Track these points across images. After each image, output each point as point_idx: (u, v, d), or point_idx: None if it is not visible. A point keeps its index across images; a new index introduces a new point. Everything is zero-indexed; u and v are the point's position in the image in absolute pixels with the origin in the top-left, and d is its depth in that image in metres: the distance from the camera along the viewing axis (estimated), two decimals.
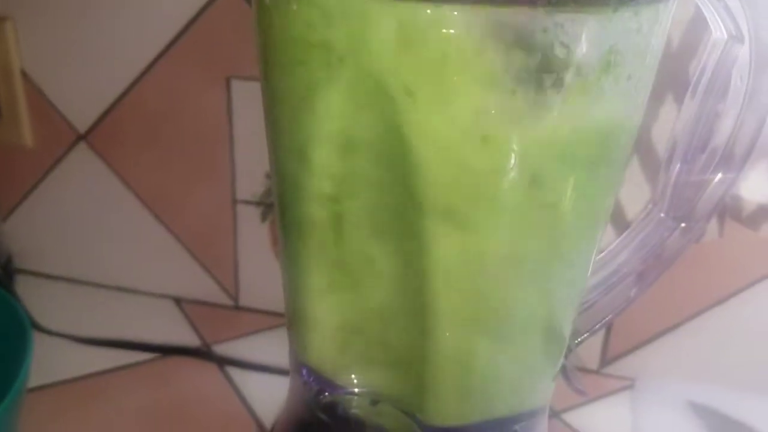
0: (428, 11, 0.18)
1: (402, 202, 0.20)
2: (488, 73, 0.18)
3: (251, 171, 0.47)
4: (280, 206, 0.24)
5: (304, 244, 0.23)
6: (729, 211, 0.37)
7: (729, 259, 0.41)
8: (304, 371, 0.25)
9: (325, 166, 0.21)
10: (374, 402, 0.24)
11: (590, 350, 0.46)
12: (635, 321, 0.44)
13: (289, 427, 0.28)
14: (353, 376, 0.24)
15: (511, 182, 0.20)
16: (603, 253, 0.27)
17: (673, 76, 0.34)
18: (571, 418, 0.42)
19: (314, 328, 0.24)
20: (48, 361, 0.43)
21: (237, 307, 0.52)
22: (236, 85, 0.45)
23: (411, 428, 0.24)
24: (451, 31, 0.18)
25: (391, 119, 0.19)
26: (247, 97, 0.45)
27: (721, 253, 0.40)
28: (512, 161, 0.19)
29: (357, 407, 0.25)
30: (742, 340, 0.43)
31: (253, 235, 0.49)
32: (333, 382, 0.25)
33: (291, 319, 0.26)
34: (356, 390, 0.24)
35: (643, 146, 0.37)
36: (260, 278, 0.50)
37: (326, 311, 0.24)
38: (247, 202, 0.48)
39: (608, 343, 0.45)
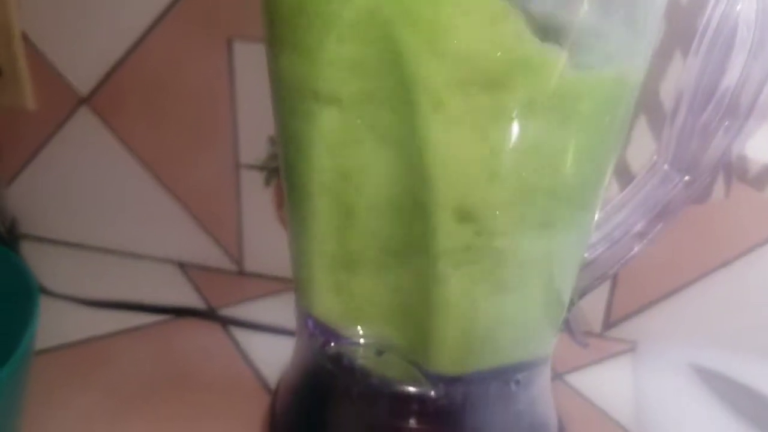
0: None
1: (411, 153, 0.20)
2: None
3: (254, 135, 0.47)
4: (285, 151, 0.24)
5: (309, 191, 0.23)
6: (735, 171, 0.37)
7: (734, 221, 0.40)
8: (310, 323, 0.26)
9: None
10: (379, 352, 0.25)
11: (593, 313, 0.46)
12: (638, 284, 0.44)
13: (296, 378, 0.28)
14: (358, 327, 0.24)
15: (517, 130, 0.20)
16: (607, 207, 0.27)
17: (681, 32, 0.34)
18: (573, 379, 0.42)
19: (320, 279, 0.24)
20: (53, 324, 0.43)
21: (241, 273, 0.52)
22: (238, 46, 0.44)
23: (415, 377, 0.24)
24: None
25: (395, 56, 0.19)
26: (250, 59, 0.45)
27: (726, 215, 0.40)
28: (519, 107, 0.19)
29: (362, 357, 0.25)
30: (747, 302, 0.43)
31: (257, 200, 0.49)
32: (338, 333, 0.25)
33: (297, 271, 0.26)
34: (361, 340, 0.25)
35: (650, 103, 0.36)
36: (264, 243, 0.50)
37: (331, 262, 0.24)
38: (251, 167, 0.48)
39: (611, 307, 0.45)
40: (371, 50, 0.19)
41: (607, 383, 0.42)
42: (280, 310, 0.48)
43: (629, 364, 0.44)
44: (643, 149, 0.37)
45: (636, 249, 0.26)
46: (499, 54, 0.18)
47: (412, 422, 0.25)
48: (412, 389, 0.25)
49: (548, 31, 0.18)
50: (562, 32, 0.19)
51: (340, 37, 0.19)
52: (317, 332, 0.25)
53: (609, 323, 0.46)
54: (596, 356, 0.44)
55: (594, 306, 0.46)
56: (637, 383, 0.42)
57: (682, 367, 0.43)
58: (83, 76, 0.48)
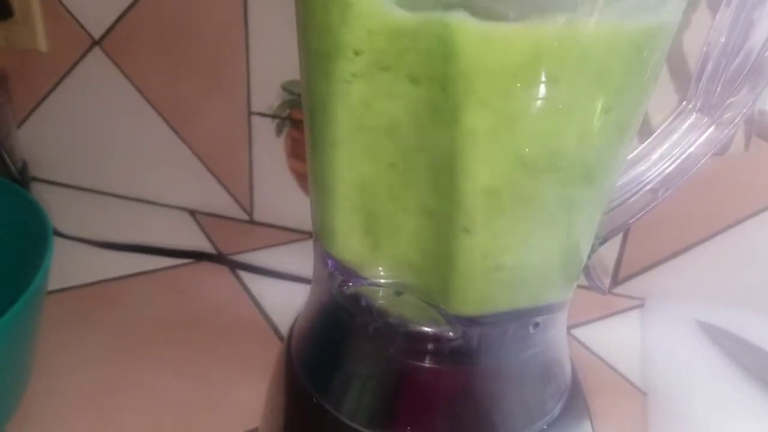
0: None
1: (436, 92, 0.20)
2: None
3: (267, 83, 0.46)
4: (307, 84, 0.24)
5: (332, 129, 0.22)
6: (756, 127, 0.36)
7: (750, 179, 0.40)
8: (330, 263, 0.26)
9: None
10: (398, 293, 0.24)
11: (603, 270, 0.46)
12: (648, 242, 0.44)
13: (312, 316, 0.28)
14: (379, 268, 0.24)
15: (548, 77, 0.19)
16: (631, 155, 0.27)
17: None
18: (581, 333, 0.42)
19: (341, 219, 0.24)
20: (65, 265, 0.43)
21: (252, 221, 0.52)
22: None
23: (434, 318, 0.24)
24: None
25: None
26: (264, 3, 0.44)
27: (743, 172, 0.40)
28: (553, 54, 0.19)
29: (381, 298, 0.25)
30: (755, 261, 0.43)
31: (269, 149, 0.49)
32: (358, 274, 0.25)
33: (317, 211, 0.26)
34: (381, 281, 0.25)
35: (674, 55, 0.36)
36: (275, 193, 0.50)
37: (351, 204, 0.23)
38: (263, 115, 0.48)
39: (620, 263, 0.45)
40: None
41: (615, 338, 0.42)
42: (289, 258, 0.48)
43: (637, 320, 0.44)
44: (664, 103, 0.37)
45: (659, 197, 0.26)
46: None
47: (428, 361, 0.25)
48: (429, 329, 0.25)
49: None
50: None
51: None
52: (336, 272, 0.25)
53: (618, 279, 0.46)
54: (605, 311, 0.45)
55: (604, 262, 0.46)
56: (644, 339, 0.42)
57: (690, 324, 0.43)
58: (96, 18, 0.48)
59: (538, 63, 0.19)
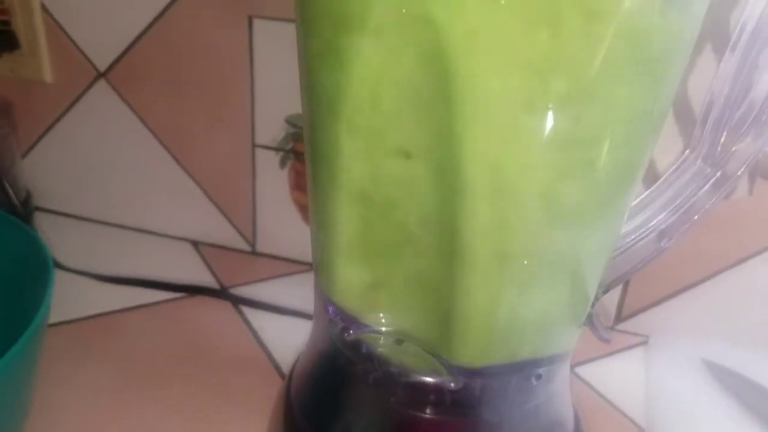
0: None
1: (438, 143, 0.20)
2: None
3: (271, 115, 0.47)
4: (310, 140, 0.24)
5: (332, 184, 0.22)
6: (760, 170, 0.36)
7: (753, 218, 0.40)
8: (330, 309, 0.25)
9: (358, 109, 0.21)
10: (399, 341, 0.24)
11: (606, 307, 0.46)
12: (652, 278, 0.44)
13: (312, 362, 0.28)
14: (380, 315, 0.24)
15: (554, 119, 0.19)
16: (637, 201, 0.26)
17: (714, 26, 0.33)
18: (584, 371, 0.42)
19: (342, 265, 0.24)
20: (66, 298, 0.43)
21: (254, 253, 0.52)
22: (258, 24, 0.44)
23: (436, 367, 0.24)
24: None
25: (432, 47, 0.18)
26: (269, 38, 0.44)
27: (746, 212, 0.40)
28: (557, 92, 0.19)
29: (382, 346, 0.25)
30: (759, 300, 0.43)
31: (272, 181, 0.49)
32: (358, 321, 0.25)
33: (318, 256, 0.26)
34: (382, 329, 0.24)
35: (679, 98, 0.36)
36: (278, 225, 0.50)
37: (355, 248, 0.23)
38: (267, 147, 0.48)
39: (624, 300, 0.45)
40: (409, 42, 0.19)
41: (618, 376, 0.42)
42: (291, 291, 0.48)
43: (641, 357, 0.44)
44: (669, 147, 0.37)
45: (663, 245, 0.26)
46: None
47: (430, 412, 0.25)
48: (430, 379, 0.25)
49: None
50: None
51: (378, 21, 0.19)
52: (337, 318, 0.25)
53: (622, 317, 0.46)
54: (608, 349, 0.44)
55: (607, 299, 0.45)
56: (648, 376, 0.42)
57: (694, 362, 0.43)
58: (102, 50, 0.48)
59: (545, 98, 0.19)
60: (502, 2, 0.17)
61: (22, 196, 0.50)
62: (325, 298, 0.26)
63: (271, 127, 0.47)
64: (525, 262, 0.21)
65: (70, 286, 0.45)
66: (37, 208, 0.54)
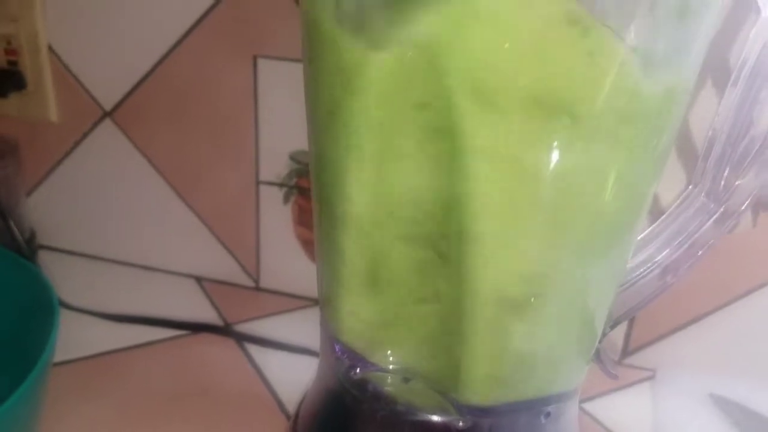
0: None
1: (444, 183, 0.20)
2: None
3: (275, 152, 0.47)
4: (317, 186, 0.24)
5: (340, 231, 0.23)
6: (763, 202, 0.36)
7: (758, 251, 0.40)
8: (337, 347, 0.25)
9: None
10: (407, 380, 0.24)
11: (612, 341, 0.45)
12: (658, 312, 0.43)
13: (318, 400, 0.28)
14: (387, 353, 0.24)
15: (560, 160, 0.19)
16: (641, 236, 0.27)
17: (715, 61, 0.34)
18: (592, 407, 0.42)
19: (348, 310, 0.24)
20: (70, 336, 0.43)
21: (258, 288, 0.52)
22: (263, 64, 0.45)
23: (443, 406, 0.24)
24: None
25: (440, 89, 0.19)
26: (274, 77, 0.45)
27: (751, 245, 0.40)
28: (563, 135, 0.19)
29: (389, 384, 0.24)
30: (766, 333, 0.42)
31: (276, 216, 0.49)
32: (365, 359, 0.25)
33: (324, 294, 0.26)
34: (389, 367, 0.24)
35: (681, 134, 0.36)
36: (282, 260, 0.50)
37: (361, 293, 0.23)
38: (271, 184, 0.48)
39: (631, 334, 0.45)
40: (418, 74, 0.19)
41: (626, 411, 0.42)
42: (295, 327, 0.47)
43: (648, 392, 0.44)
44: (673, 182, 0.37)
45: (668, 281, 0.26)
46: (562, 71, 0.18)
47: None
48: (438, 418, 0.25)
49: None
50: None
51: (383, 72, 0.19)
52: (344, 357, 0.25)
53: (628, 351, 0.45)
54: (616, 384, 0.44)
55: (614, 333, 0.45)
56: (656, 411, 0.41)
57: (701, 396, 0.42)
58: (107, 90, 0.48)
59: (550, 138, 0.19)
60: (506, 46, 0.17)
61: (27, 234, 0.50)
62: (331, 336, 0.26)
63: (275, 164, 0.47)
64: (532, 300, 0.21)
65: (74, 324, 0.45)
66: (42, 246, 0.54)
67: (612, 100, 0.19)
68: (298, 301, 0.51)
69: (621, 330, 0.45)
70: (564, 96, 0.18)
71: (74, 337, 0.44)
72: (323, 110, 0.22)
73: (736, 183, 0.25)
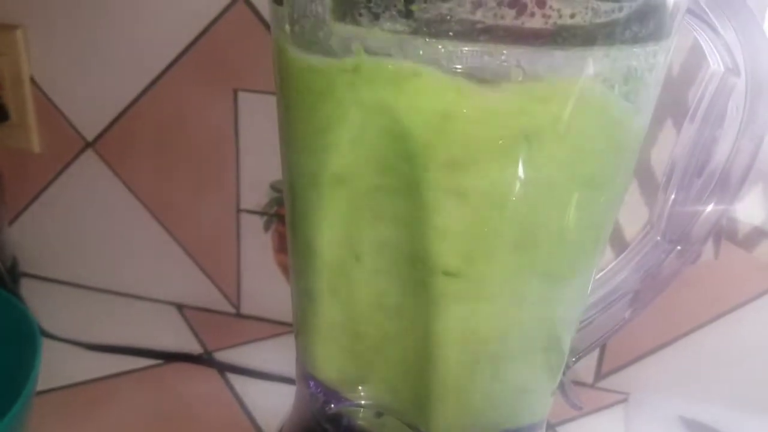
0: None
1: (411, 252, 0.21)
2: None
3: (256, 181, 0.48)
4: (291, 218, 0.25)
5: (313, 265, 0.23)
6: (725, 232, 0.38)
7: (724, 278, 0.41)
8: (311, 383, 0.26)
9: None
10: (379, 414, 0.25)
11: (585, 365, 0.46)
12: (630, 337, 0.44)
13: None
14: (360, 388, 0.25)
15: (517, 197, 0.20)
16: (602, 273, 0.28)
17: (673, 102, 0.35)
18: (566, 430, 0.43)
19: (321, 344, 0.25)
20: (50, 366, 0.43)
21: (239, 315, 0.52)
22: (243, 97, 0.46)
23: None
24: None
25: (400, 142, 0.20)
26: (254, 109, 0.46)
27: (716, 272, 0.41)
28: (520, 175, 0.20)
29: (362, 419, 0.25)
30: (735, 357, 0.43)
31: (256, 244, 0.50)
32: (339, 394, 0.25)
33: (298, 331, 0.26)
34: (362, 402, 0.25)
35: (642, 169, 0.37)
36: (262, 287, 0.51)
37: (333, 330, 0.24)
38: (251, 212, 0.49)
39: (603, 358, 0.46)
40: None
41: None
42: (276, 353, 0.48)
43: (621, 415, 0.45)
44: (636, 215, 0.38)
45: (630, 314, 0.27)
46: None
47: None
48: None
49: None
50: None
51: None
52: (318, 392, 0.26)
53: (601, 374, 0.46)
54: (589, 407, 0.45)
55: (586, 358, 0.46)
56: None
57: (673, 420, 0.43)
58: (89, 121, 0.49)
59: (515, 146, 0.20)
60: (464, 111, 0.18)
61: (9, 262, 0.51)
62: (306, 373, 0.27)
63: (255, 193, 0.48)
64: (497, 338, 0.22)
65: (55, 353, 0.46)
66: (24, 274, 0.54)
67: (571, 136, 0.20)
68: (279, 327, 0.51)
69: (594, 354, 0.46)
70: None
71: (55, 367, 0.44)
72: (298, 141, 0.23)
73: (692, 223, 0.26)
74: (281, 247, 0.50)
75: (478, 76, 0.19)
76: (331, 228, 0.22)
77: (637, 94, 0.21)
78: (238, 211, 0.49)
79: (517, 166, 0.20)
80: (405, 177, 0.20)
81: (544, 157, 0.20)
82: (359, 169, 0.21)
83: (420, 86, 0.19)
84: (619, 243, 0.38)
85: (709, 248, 0.38)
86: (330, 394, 0.25)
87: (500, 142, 0.19)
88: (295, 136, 0.23)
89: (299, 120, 0.22)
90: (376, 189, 0.21)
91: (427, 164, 0.19)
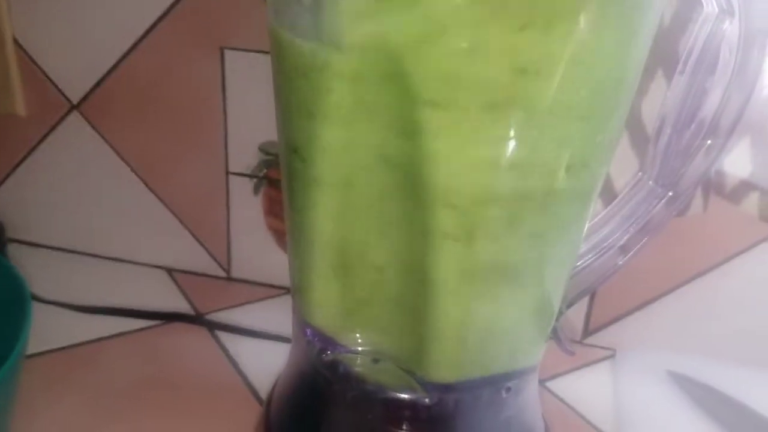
0: None
1: (409, 187, 0.21)
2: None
3: (245, 143, 0.48)
4: (287, 168, 0.25)
5: (310, 212, 0.23)
6: (713, 186, 0.38)
7: (711, 233, 0.42)
8: (308, 331, 0.26)
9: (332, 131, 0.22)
10: (375, 360, 0.25)
11: (573, 321, 0.47)
12: (618, 292, 0.45)
13: (291, 384, 0.29)
14: (356, 335, 0.25)
15: (512, 148, 0.21)
16: (593, 221, 0.28)
17: (664, 53, 0.35)
18: (554, 385, 0.43)
19: (319, 288, 0.25)
20: (41, 329, 0.43)
21: (229, 279, 0.52)
22: (230, 55, 0.45)
23: (410, 385, 0.25)
24: None
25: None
26: (241, 68, 0.45)
27: (703, 227, 0.41)
28: (516, 122, 0.20)
29: (359, 365, 0.25)
30: (722, 311, 0.44)
31: (246, 207, 0.49)
32: (335, 341, 0.26)
33: (295, 279, 0.27)
34: (359, 349, 0.25)
35: (633, 121, 0.38)
36: (253, 250, 0.51)
37: (331, 271, 0.24)
38: (240, 175, 0.49)
39: (591, 315, 0.46)
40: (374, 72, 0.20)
41: (587, 389, 0.43)
42: (267, 315, 0.48)
43: (609, 370, 0.45)
44: (626, 166, 0.38)
45: (620, 261, 0.28)
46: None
47: (406, 428, 0.26)
48: (406, 396, 0.26)
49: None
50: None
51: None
52: (315, 340, 0.26)
53: (589, 330, 0.47)
54: (576, 363, 0.45)
55: (574, 313, 0.47)
56: (616, 389, 0.43)
57: (660, 374, 0.44)
58: (74, 83, 0.48)
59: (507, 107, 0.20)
60: (464, 45, 0.18)
61: None
62: (302, 321, 0.27)
63: (244, 155, 0.48)
64: (492, 277, 0.23)
65: (45, 316, 0.45)
66: (11, 240, 0.54)
67: (563, 92, 0.20)
68: (269, 290, 0.51)
69: (581, 311, 0.46)
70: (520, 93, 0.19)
71: (46, 330, 0.44)
72: (293, 104, 0.23)
73: (684, 168, 0.27)
74: (271, 210, 0.50)
75: None
76: (329, 162, 0.22)
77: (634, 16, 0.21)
78: (227, 173, 0.49)
79: (514, 98, 0.20)
80: (400, 112, 0.20)
81: (539, 88, 0.20)
82: (355, 108, 0.20)
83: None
84: (610, 195, 0.39)
85: (697, 202, 0.38)
86: (326, 341, 0.26)
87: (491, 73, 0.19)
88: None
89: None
90: (374, 130, 0.21)
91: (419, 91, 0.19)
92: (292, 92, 0.23)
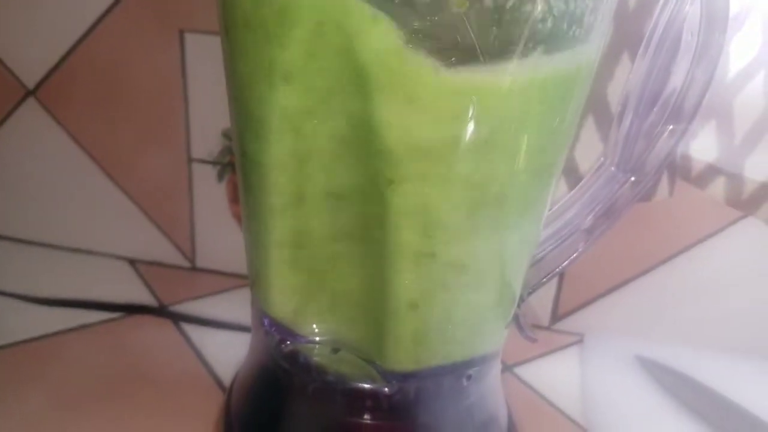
0: None
1: (364, 165, 0.21)
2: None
3: (207, 129, 0.47)
4: (241, 156, 0.24)
5: (264, 197, 0.23)
6: (679, 171, 0.38)
7: (677, 217, 0.42)
8: (266, 321, 0.26)
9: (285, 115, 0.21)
10: (335, 350, 0.25)
11: (541, 307, 0.47)
12: (585, 278, 0.45)
13: (251, 375, 0.28)
14: (314, 325, 0.25)
15: (469, 134, 0.20)
16: (555, 206, 0.28)
17: (630, 35, 0.35)
18: (522, 371, 0.43)
19: (275, 277, 0.24)
20: (1, 322, 0.42)
21: (194, 269, 0.52)
22: (190, 38, 0.44)
23: (370, 374, 0.24)
24: None
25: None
26: (202, 51, 0.44)
27: (669, 212, 0.42)
28: (470, 111, 0.20)
29: (318, 355, 0.25)
30: (689, 296, 0.44)
31: (210, 195, 0.49)
32: (294, 332, 0.25)
33: (253, 269, 0.26)
34: (317, 338, 0.25)
35: (598, 104, 0.37)
36: (217, 239, 0.50)
37: (287, 259, 0.24)
38: (203, 161, 0.48)
39: (559, 300, 0.46)
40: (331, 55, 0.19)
41: (555, 375, 0.43)
42: (232, 306, 0.47)
43: (577, 356, 0.45)
44: (591, 150, 0.38)
45: (583, 247, 0.27)
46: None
47: (367, 418, 0.26)
48: (366, 386, 0.25)
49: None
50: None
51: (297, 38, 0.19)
52: (273, 330, 0.26)
53: (557, 316, 0.47)
54: (544, 349, 0.45)
55: (542, 299, 0.47)
56: (584, 375, 0.43)
57: (628, 359, 0.44)
58: (30, 68, 0.47)
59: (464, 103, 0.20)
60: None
61: None
62: (261, 311, 0.26)
63: (207, 141, 0.47)
64: (450, 263, 0.22)
65: (6, 309, 0.44)
66: None
67: (519, 82, 0.19)
68: (235, 280, 0.51)
69: (549, 296, 0.46)
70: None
71: (5, 323, 0.43)
72: (244, 78, 0.22)
73: (646, 152, 0.26)
74: (236, 197, 0.49)
75: None
76: (281, 142, 0.21)
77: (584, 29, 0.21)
78: (190, 160, 0.48)
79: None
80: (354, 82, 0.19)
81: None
82: (308, 75, 0.20)
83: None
84: (573, 177, 0.38)
85: (663, 187, 0.38)
86: (285, 331, 0.25)
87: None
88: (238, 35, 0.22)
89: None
90: (326, 95, 0.20)
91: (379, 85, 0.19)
92: (246, 52, 0.22)
